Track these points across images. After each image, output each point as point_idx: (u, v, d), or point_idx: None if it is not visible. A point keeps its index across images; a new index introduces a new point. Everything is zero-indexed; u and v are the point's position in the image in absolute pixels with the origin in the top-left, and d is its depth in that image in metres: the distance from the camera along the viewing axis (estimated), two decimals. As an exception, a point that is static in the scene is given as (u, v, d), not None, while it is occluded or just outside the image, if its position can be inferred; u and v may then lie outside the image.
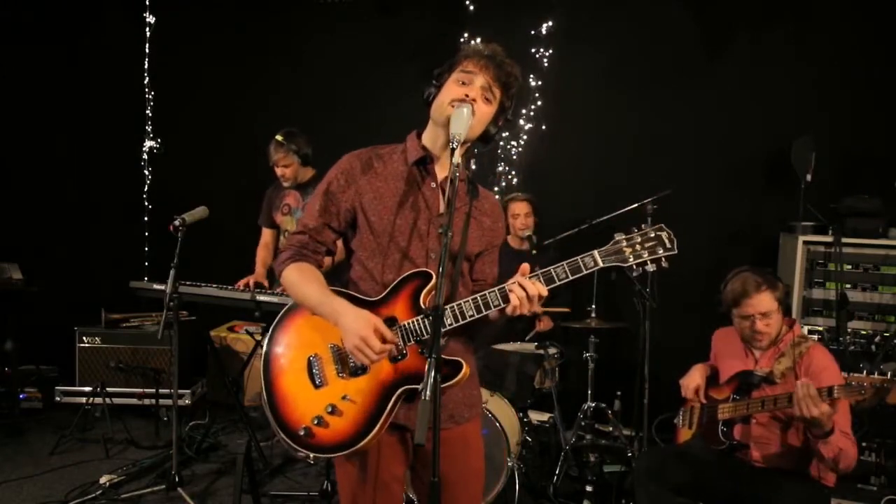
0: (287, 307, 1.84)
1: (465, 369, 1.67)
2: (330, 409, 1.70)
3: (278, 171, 3.83)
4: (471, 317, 1.67)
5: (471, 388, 1.87)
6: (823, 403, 2.22)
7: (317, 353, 1.76)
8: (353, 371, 1.72)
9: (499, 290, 1.66)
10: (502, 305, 1.65)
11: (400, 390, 1.68)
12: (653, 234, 1.65)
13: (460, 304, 1.67)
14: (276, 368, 1.79)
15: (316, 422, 1.70)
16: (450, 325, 1.68)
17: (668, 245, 1.65)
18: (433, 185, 1.80)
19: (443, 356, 1.62)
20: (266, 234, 4.08)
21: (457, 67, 1.76)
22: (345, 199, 1.78)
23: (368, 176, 1.79)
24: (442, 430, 1.67)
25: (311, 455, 1.74)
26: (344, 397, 1.70)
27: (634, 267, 1.67)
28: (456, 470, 1.77)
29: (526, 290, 1.61)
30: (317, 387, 1.74)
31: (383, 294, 1.75)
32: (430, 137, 1.81)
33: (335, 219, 1.80)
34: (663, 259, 1.65)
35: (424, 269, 1.73)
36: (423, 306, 1.70)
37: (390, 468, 1.77)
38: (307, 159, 3.84)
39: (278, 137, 3.78)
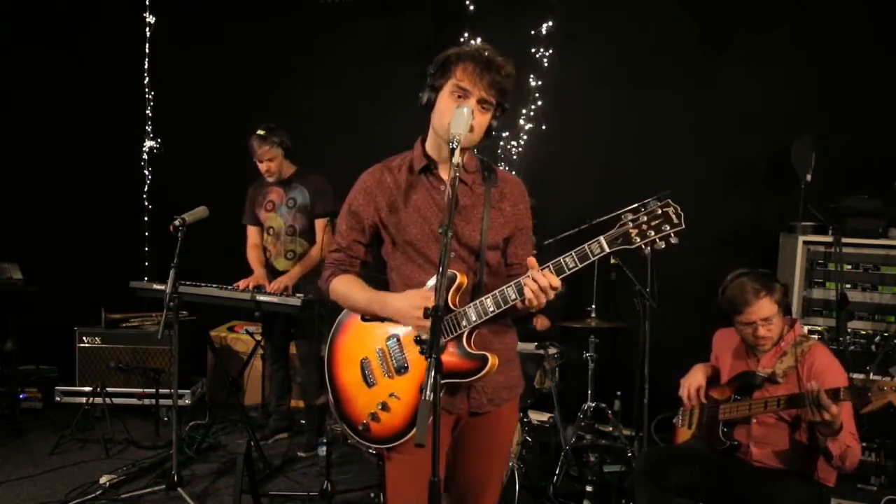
0: (341, 314, 1.99)
1: (490, 361, 1.74)
2: (381, 406, 1.84)
3: (262, 166, 3.83)
4: (492, 312, 1.74)
5: (512, 370, 1.97)
6: (833, 405, 2.21)
7: (366, 356, 1.89)
8: (397, 370, 1.84)
9: (515, 284, 1.71)
10: (519, 299, 1.70)
11: None
12: (659, 212, 1.64)
13: (483, 300, 1.74)
14: (337, 371, 1.94)
15: (371, 417, 1.85)
16: (474, 321, 1.75)
17: (676, 220, 1.63)
18: (442, 188, 1.86)
19: (469, 350, 1.76)
20: (253, 234, 4.08)
21: (450, 76, 1.76)
22: (366, 215, 1.91)
23: (382, 191, 1.89)
24: (481, 413, 1.88)
25: (372, 447, 1.88)
26: (391, 395, 1.84)
27: (643, 247, 1.64)
28: (489, 441, 1.93)
29: (538, 282, 1.66)
30: (369, 386, 1.87)
31: None
32: (433, 146, 1.86)
33: (361, 234, 1.94)
34: (672, 236, 1.62)
35: (452, 270, 1.79)
36: (452, 307, 1.77)
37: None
38: (290, 152, 3.84)
39: (260, 132, 3.78)
